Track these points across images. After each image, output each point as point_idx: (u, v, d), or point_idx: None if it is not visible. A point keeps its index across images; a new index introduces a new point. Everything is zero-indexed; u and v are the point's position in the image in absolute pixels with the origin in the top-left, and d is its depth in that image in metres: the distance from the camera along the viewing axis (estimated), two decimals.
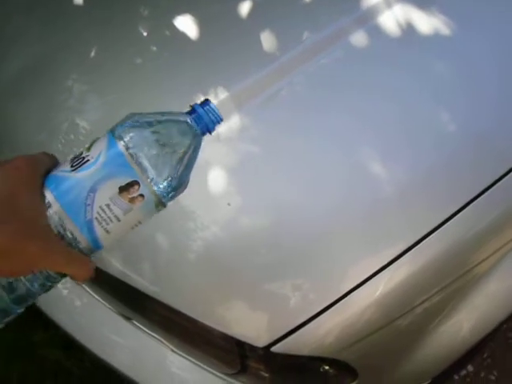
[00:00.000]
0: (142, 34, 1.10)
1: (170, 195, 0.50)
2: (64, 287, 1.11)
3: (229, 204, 0.88)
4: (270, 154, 0.92)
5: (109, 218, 0.48)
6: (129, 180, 0.48)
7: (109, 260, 0.94)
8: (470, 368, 1.65)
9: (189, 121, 0.51)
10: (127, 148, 0.48)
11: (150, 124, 0.49)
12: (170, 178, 0.49)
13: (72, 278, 0.49)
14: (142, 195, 0.48)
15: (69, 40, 1.13)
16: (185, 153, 0.50)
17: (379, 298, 0.84)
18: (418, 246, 0.85)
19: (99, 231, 0.48)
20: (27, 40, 1.17)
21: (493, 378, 1.64)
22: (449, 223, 0.86)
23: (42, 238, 0.45)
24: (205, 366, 0.97)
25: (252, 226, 0.88)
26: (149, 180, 0.48)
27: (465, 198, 0.87)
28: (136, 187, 0.48)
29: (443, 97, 0.95)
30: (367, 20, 1.01)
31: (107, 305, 1.05)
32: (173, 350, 1.00)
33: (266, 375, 0.93)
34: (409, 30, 0.99)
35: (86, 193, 0.47)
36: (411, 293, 0.88)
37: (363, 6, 1.02)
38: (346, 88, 0.96)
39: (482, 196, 0.88)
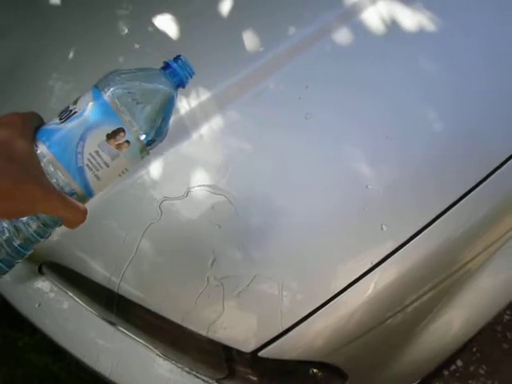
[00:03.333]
0: (124, 33, 1.09)
1: (153, 142, 0.56)
2: (50, 290, 1.09)
3: (213, 207, 0.87)
4: (256, 152, 0.90)
5: (98, 164, 0.53)
6: (115, 127, 0.52)
7: (92, 265, 0.92)
8: (459, 363, 1.65)
9: (164, 75, 0.57)
10: (112, 98, 0.53)
11: (130, 78, 0.54)
12: (151, 126, 0.54)
13: (67, 223, 0.52)
14: (127, 141, 0.53)
15: (50, 39, 1.12)
16: (162, 104, 0.55)
17: (369, 298, 0.83)
18: (408, 244, 0.84)
19: (90, 177, 0.53)
20: (7, 39, 1.15)
21: (482, 371, 1.65)
22: (438, 221, 0.85)
23: (40, 183, 0.48)
24: (192, 371, 0.96)
25: (237, 227, 0.86)
26: (133, 127, 0.53)
27: (454, 196, 0.87)
28: (122, 134, 0.53)
29: (431, 92, 0.94)
30: (352, 16, 1.00)
31: (91, 310, 1.04)
32: (159, 355, 0.99)
33: (255, 379, 0.92)
34: (394, 25, 0.98)
35: (77, 141, 0.52)
36: (402, 292, 0.87)
37: (348, 2, 1.01)
38: (334, 84, 0.95)
39: (471, 193, 0.87)
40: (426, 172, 0.89)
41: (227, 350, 0.84)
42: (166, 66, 0.58)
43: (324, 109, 0.92)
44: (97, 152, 0.53)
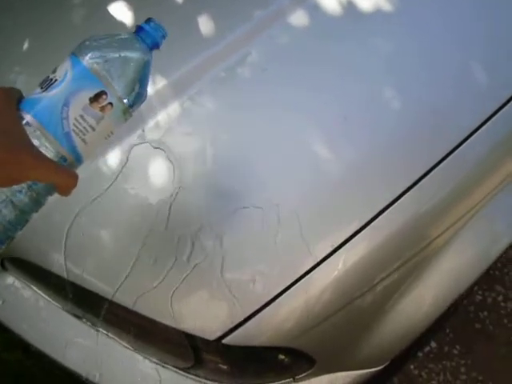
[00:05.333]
0: (81, 25, 1.07)
1: (134, 103, 0.57)
2: (14, 286, 1.07)
3: (173, 195, 0.86)
4: (214, 138, 0.90)
5: (84, 128, 0.54)
6: (96, 90, 0.54)
7: (52, 258, 0.90)
8: (433, 344, 1.67)
9: (139, 38, 0.58)
10: (90, 63, 0.54)
11: (106, 42, 0.55)
12: (131, 87, 0.56)
13: (59, 189, 0.54)
14: (110, 103, 0.55)
15: (11, 34, 1.10)
16: (139, 65, 0.56)
17: (338, 277, 0.83)
18: (374, 222, 0.84)
19: (78, 142, 0.54)
20: None
21: (456, 352, 1.67)
22: (404, 197, 0.86)
23: (30, 151, 0.49)
24: (159, 361, 0.95)
25: (202, 211, 0.85)
26: (114, 89, 0.54)
27: (418, 173, 0.87)
28: (104, 97, 0.54)
29: (396, 70, 0.95)
30: None
31: (57, 304, 1.02)
32: (127, 347, 0.98)
33: (224, 367, 0.92)
34: (351, 4, 0.98)
35: (61, 107, 0.53)
36: (370, 270, 0.87)
37: None
38: (292, 65, 0.95)
39: (436, 169, 0.88)
40: (390, 149, 0.89)
41: (191, 338, 0.84)
42: (139, 28, 0.59)
43: (283, 90, 0.92)
44: (81, 116, 0.54)
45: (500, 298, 1.78)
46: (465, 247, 0.99)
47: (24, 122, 0.52)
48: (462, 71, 0.97)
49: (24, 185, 0.53)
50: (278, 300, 0.82)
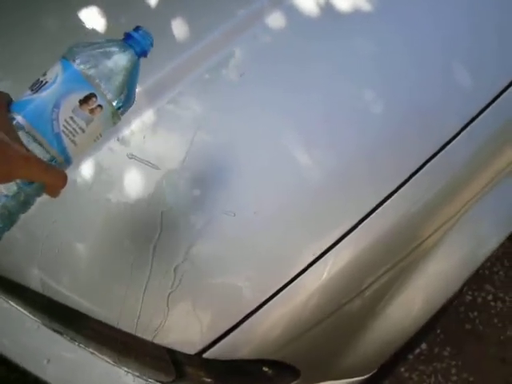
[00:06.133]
0: (53, 25, 1.05)
1: (123, 106, 0.59)
2: None
3: (149, 205, 0.83)
4: (202, 141, 0.87)
5: (74, 129, 0.55)
6: (86, 93, 0.55)
7: (30, 273, 0.88)
8: (423, 346, 1.66)
9: (127, 45, 0.60)
10: (81, 66, 0.55)
11: (96, 47, 0.57)
12: (120, 91, 0.58)
13: (49, 189, 0.55)
14: (100, 106, 0.56)
15: None
16: (128, 70, 0.59)
17: (324, 284, 0.81)
18: (363, 223, 0.82)
19: (67, 143, 0.55)
20: None
21: (446, 353, 1.66)
22: (392, 198, 0.83)
23: (22, 150, 0.50)
24: (142, 375, 0.93)
25: (179, 220, 0.83)
26: (103, 92, 0.56)
27: (405, 174, 0.85)
28: (93, 99, 0.56)
29: (381, 69, 0.93)
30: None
31: (35, 319, 1.00)
32: (108, 361, 0.95)
33: (208, 380, 0.89)
34: (328, 5, 0.97)
35: (51, 108, 0.54)
36: (358, 275, 0.84)
37: None
38: (269, 69, 0.93)
39: (423, 170, 0.86)
40: (374, 151, 0.87)
41: (171, 352, 0.81)
42: (128, 36, 0.61)
43: (264, 92, 0.90)
44: (71, 118, 0.55)
45: (490, 297, 1.77)
46: (452, 250, 0.97)
47: (14, 122, 0.53)
48: (448, 70, 0.95)
49: (13, 185, 0.53)
50: (260, 311, 0.79)
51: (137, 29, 0.62)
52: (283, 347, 0.83)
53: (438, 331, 1.69)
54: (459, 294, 1.64)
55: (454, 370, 1.62)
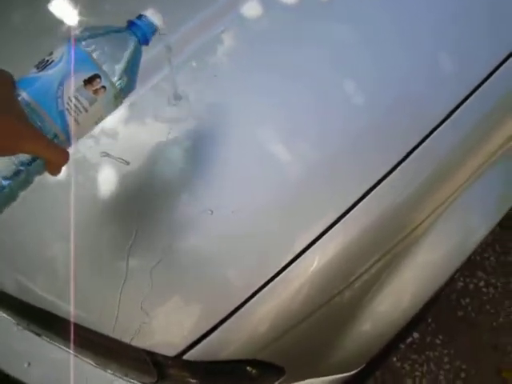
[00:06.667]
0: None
1: (125, 89, 0.61)
2: None
3: (124, 204, 0.81)
4: (180, 135, 0.84)
5: (78, 108, 0.56)
6: (91, 73, 0.57)
7: (3, 276, 0.85)
8: (415, 335, 1.64)
9: (130, 32, 0.62)
10: (86, 48, 0.57)
11: (102, 32, 0.59)
12: (123, 73, 0.59)
13: (50, 165, 0.56)
14: (103, 87, 0.58)
15: None
16: (130, 55, 0.60)
17: (312, 276, 0.78)
18: (349, 214, 0.79)
19: (70, 121, 0.56)
20: None
21: (438, 341, 1.65)
22: (379, 187, 0.81)
23: (26, 123, 0.52)
24: (125, 377, 0.91)
25: (151, 218, 0.80)
26: (107, 73, 0.58)
27: (391, 163, 0.82)
28: (98, 80, 0.57)
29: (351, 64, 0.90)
30: None
31: (15, 321, 0.97)
32: (89, 363, 0.93)
33: (193, 381, 0.87)
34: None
35: (56, 86, 0.55)
36: (347, 266, 0.82)
37: None
38: (245, 67, 0.90)
39: (409, 158, 0.83)
40: (364, 138, 0.84)
41: (152, 354, 0.79)
42: (131, 23, 0.63)
43: (236, 87, 0.88)
44: (76, 97, 0.56)
45: (481, 283, 1.76)
46: (441, 239, 0.95)
47: (19, 98, 0.53)
48: (435, 57, 0.92)
49: (15, 160, 0.54)
50: (242, 309, 0.77)
51: (140, 17, 0.64)
52: (268, 345, 0.81)
53: (430, 320, 1.67)
54: (450, 282, 1.63)
55: (446, 359, 1.61)
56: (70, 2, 1.02)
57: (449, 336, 1.65)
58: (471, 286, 1.75)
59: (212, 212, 0.78)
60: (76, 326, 0.82)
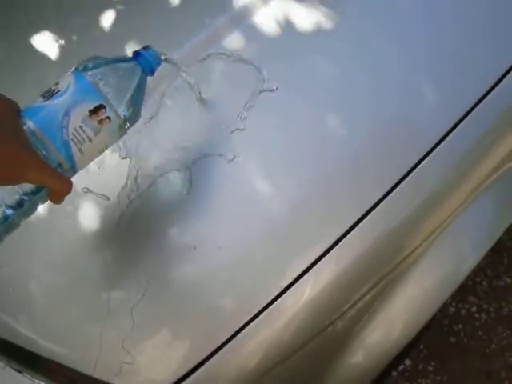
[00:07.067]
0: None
1: (130, 119, 0.61)
2: None
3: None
4: (161, 166, 0.82)
5: (82, 138, 0.57)
6: (97, 104, 0.57)
7: None
8: (407, 362, 1.62)
9: (136, 63, 0.63)
10: (92, 78, 0.58)
11: (107, 62, 0.60)
12: (128, 104, 0.60)
13: (54, 194, 0.57)
14: (108, 117, 0.58)
15: None
16: (136, 86, 0.61)
17: (304, 307, 0.77)
18: (343, 241, 0.78)
19: (75, 151, 0.57)
20: None
21: (431, 368, 1.62)
22: (373, 213, 0.80)
23: (30, 152, 0.52)
24: None
25: (131, 254, 0.79)
26: (112, 104, 0.58)
27: (387, 185, 0.81)
28: (103, 110, 0.58)
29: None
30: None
31: None
32: None
33: None
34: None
35: (62, 116, 0.55)
36: (340, 294, 0.81)
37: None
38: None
39: (402, 184, 0.82)
40: (352, 165, 0.83)
41: None
42: (138, 54, 0.64)
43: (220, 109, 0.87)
44: (81, 127, 0.57)
45: (474, 309, 1.74)
46: (432, 267, 0.94)
47: (25, 127, 0.54)
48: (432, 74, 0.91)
49: (19, 190, 0.54)
50: (230, 343, 0.75)
51: (146, 48, 0.65)
52: (258, 379, 0.79)
53: (422, 346, 1.65)
54: (442, 307, 1.61)
55: None
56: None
57: (441, 362, 1.62)
58: (463, 311, 1.74)
59: (195, 247, 0.76)
60: (58, 364, 0.79)
